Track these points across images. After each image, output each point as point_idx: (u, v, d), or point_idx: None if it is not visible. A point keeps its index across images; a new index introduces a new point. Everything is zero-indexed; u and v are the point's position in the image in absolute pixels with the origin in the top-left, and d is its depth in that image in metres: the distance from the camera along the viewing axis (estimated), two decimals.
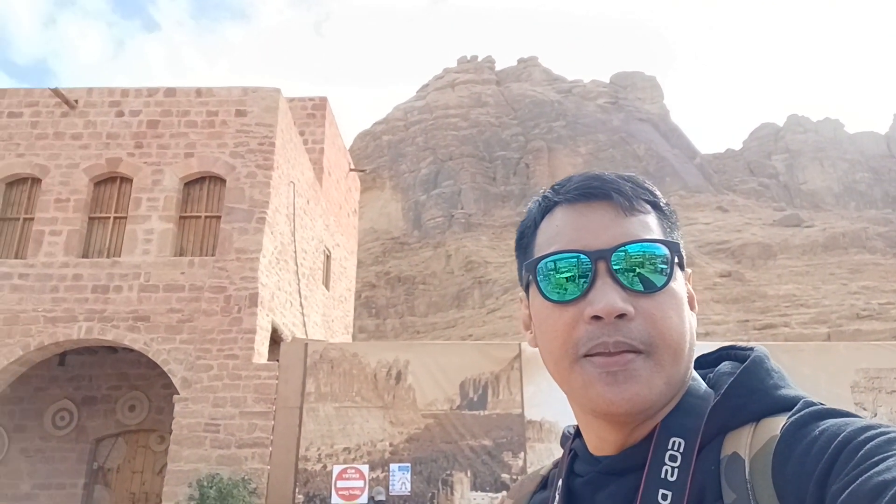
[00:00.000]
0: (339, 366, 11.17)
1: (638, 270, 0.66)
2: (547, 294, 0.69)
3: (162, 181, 11.60)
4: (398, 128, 57.22)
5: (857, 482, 0.50)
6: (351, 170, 19.35)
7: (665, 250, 0.68)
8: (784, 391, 0.67)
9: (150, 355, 10.81)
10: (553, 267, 0.68)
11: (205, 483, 9.70)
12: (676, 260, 0.69)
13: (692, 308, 0.71)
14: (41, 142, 11.79)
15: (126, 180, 11.73)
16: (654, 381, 0.64)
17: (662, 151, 55.29)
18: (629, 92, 62.67)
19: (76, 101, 11.93)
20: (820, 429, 0.58)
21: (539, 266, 0.70)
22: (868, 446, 0.53)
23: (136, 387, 13.14)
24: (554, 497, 0.76)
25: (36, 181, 11.72)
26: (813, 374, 10.67)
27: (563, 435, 0.83)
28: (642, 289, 0.66)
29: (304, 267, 14.12)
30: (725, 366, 0.74)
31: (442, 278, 44.78)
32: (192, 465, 10.24)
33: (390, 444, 10.94)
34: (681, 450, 0.64)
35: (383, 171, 53.45)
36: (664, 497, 0.61)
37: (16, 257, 11.27)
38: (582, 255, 0.67)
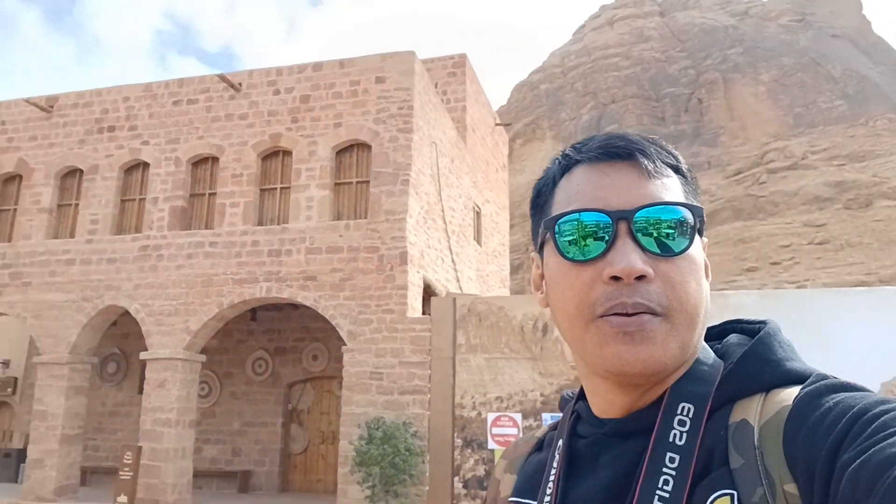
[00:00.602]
0: (487, 319, 11.48)
1: (659, 233, 0.66)
2: (565, 252, 0.68)
3: (316, 152, 12.59)
4: (555, 75, 55.66)
5: (869, 453, 0.51)
6: (497, 125, 19.38)
7: (687, 214, 0.67)
8: (796, 364, 0.67)
9: (319, 311, 11.97)
10: (572, 225, 0.68)
11: (372, 425, 10.65)
12: (697, 225, 0.68)
13: (707, 276, 0.71)
14: (216, 124, 13.32)
15: (287, 153, 12.90)
16: (669, 343, 0.64)
17: (864, 70, 48.06)
18: (818, 6, 54.92)
19: (240, 84, 13.26)
20: (834, 400, 0.58)
21: (558, 224, 0.69)
22: (882, 419, 0.53)
23: (317, 338, 14.63)
24: (554, 456, 0.76)
25: (215, 160, 13.31)
26: None
27: (563, 398, 0.85)
28: (662, 252, 0.65)
29: (454, 224, 14.58)
30: (733, 337, 0.74)
31: None
32: (362, 409, 11.28)
33: (541, 395, 11.07)
34: (690, 415, 0.65)
35: (542, 122, 52.58)
36: (672, 460, 0.62)
37: (206, 228, 12.98)
38: (603, 215, 0.66)
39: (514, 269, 43.72)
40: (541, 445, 0.85)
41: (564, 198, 0.72)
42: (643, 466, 0.64)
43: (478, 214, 16.51)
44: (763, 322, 0.74)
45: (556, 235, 0.69)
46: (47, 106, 14.35)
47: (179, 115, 13.61)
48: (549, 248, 0.71)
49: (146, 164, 13.65)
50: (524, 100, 55.86)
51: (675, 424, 0.65)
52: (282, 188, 12.84)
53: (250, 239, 12.48)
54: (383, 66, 12.72)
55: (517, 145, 52.05)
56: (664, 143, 0.73)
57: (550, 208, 0.73)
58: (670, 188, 0.69)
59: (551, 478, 0.74)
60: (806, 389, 0.62)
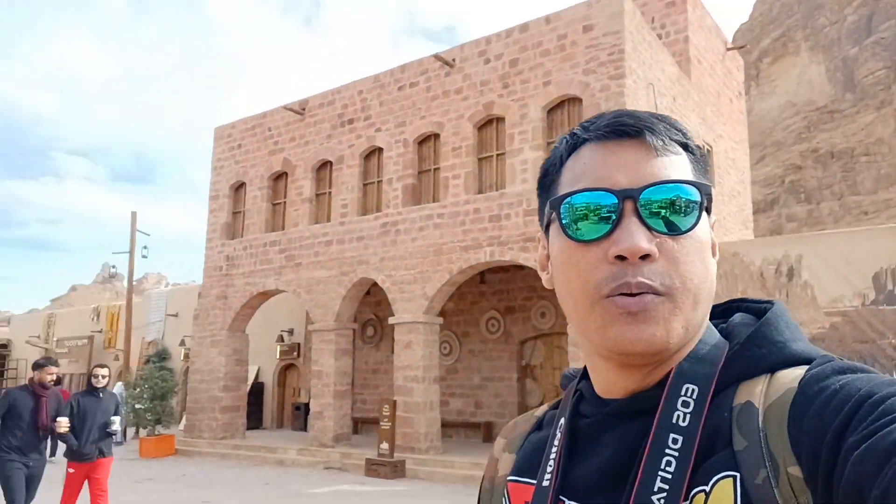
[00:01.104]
0: (720, 267, 10.70)
1: (665, 212, 0.65)
2: (570, 233, 0.67)
3: (528, 114, 12.66)
4: None
5: (875, 437, 0.51)
6: (728, 49, 17.38)
7: (694, 193, 0.66)
8: (801, 345, 0.67)
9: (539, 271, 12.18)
10: (578, 205, 0.67)
11: None
12: (705, 204, 0.68)
13: (714, 255, 0.71)
14: (434, 102, 14.11)
15: (500, 119, 13.18)
16: (672, 323, 0.64)
17: None
18: None
19: (453, 60, 13.81)
20: (840, 382, 0.58)
21: (564, 203, 0.68)
22: (888, 402, 0.53)
23: (543, 297, 14.96)
24: (555, 435, 0.77)
25: (436, 136, 14.14)
26: None
27: (564, 376, 0.86)
28: (668, 231, 0.65)
29: None
30: (738, 317, 0.74)
31: (893, 145, 36.74)
32: None
33: None
34: (694, 396, 0.65)
35: (795, 33, 45.57)
36: (675, 441, 0.62)
37: (433, 201, 13.94)
38: (608, 194, 0.66)
39: (768, 204, 39.25)
40: (540, 425, 0.85)
41: (571, 177, 0.71)
42: (646, 447, 0.63)
43: (709, 153, 15.15)
44: (769, 302, 0.73)
45: (562, 215, 0.68)
46: (300, 109, 16.53)
47: (404, 99, 14.67)
48: (555, 229, 0.71)
49: (380, 149, 15.03)
50: (770, 12, 48.97)
51: (679, 405, 0.64)
52: (497, 155, 13.21)
53: (472, 207, 13.11)
54: (589, 14, 12.24)
55: (765, 65, 46.14)
56: (674, 120, 0.71)
57: (557, 188, 0.72)
58: (678, 166, 0.68)
59: (552, 456, 0.75)
60: (811, 371, 0.61)
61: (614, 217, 0.64)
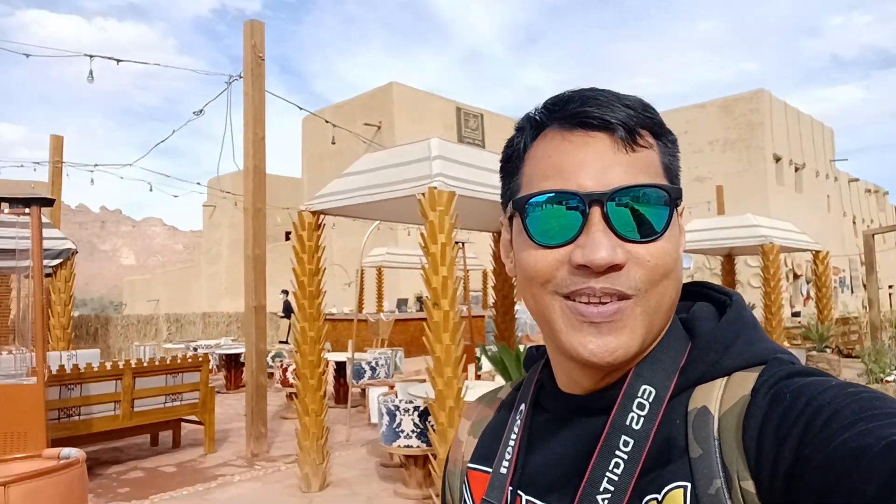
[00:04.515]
0: None
1: (634, 216, 0.62)
2: (534, 236, 0.65)
3: None
4: None
5: (832, 446, 0.50)
6: None
7: (664, 196, 0.64)
8: (758, 345, 0.65)
9: None
10: (543, 208, 0.64)
11: None
12: (675, 201, 0.65)
13: (682, 248, 0.70)
14: None
15: None
16: (637, 329, 0.63)
17: None
18: None
19: None
20: (792, 390, 0.57)
21: (528, 205, 0.66)
22: (844, 410, 0.52)
23: None
24: (515, 422, 0.77)
25: None
26: None
27: (529, 356, 0.84)
28: (637, 238, 0.62)
29: None
30: (702, 309, 0.71)
31: None
32: None
33: None
34: (650, 399, 0.64)
35: None
36: (626, 444, 0.62)
37: None
38: (575, 197, 0.63)
39: None
40: (500, 408, 0.85)
41: (535, 171, 0.68)
42: (597, 448, 0.63)
43: None
44: (728, 294, 0.71)
45: (526, 217, 0.66)
46: None
47: None
48: (518, 226, 0.68)
49: None
50: None
51: (634, 408, 0.64)
52: None
53: None
54: None
55: None
56: (644, 103, 0.67)
57: (520, 180, 0.70)
58: (648, 164, 0.65)
59: (510, 446, 0.75)
60: (763, 379, 0.60)
61: (581, 222, 0.62)
